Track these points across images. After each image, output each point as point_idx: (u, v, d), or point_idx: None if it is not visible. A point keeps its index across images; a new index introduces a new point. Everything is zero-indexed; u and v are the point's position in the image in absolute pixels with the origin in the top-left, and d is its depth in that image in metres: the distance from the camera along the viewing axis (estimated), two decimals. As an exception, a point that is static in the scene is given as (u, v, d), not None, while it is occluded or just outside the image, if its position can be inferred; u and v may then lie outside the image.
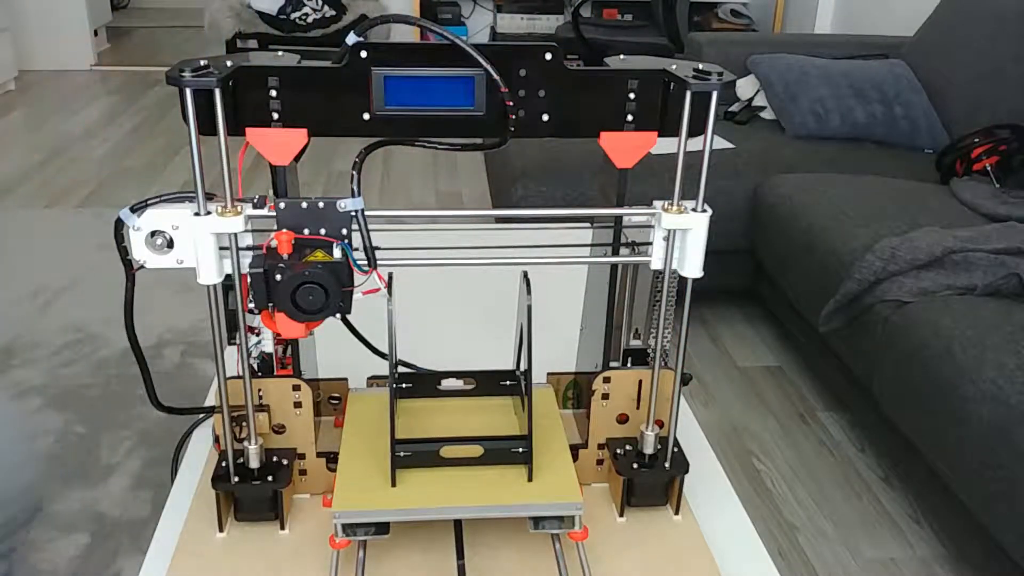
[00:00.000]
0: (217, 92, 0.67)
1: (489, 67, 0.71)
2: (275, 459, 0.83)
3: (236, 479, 0.81)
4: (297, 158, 0.76)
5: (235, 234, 0.72)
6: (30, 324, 2.49)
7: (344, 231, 0.73)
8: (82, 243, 2.94)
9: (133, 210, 0.72)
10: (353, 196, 0.72)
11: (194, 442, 0.86)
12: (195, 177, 0.70)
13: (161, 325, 2.45)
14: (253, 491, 0.82)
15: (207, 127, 0.69)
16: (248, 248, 0.74)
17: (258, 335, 0.82)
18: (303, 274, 0.71)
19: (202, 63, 0.68)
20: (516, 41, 0.84)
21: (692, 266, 0.76)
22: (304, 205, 0.72)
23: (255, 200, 0.73)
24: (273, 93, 0.73)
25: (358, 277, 0.73)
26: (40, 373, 2.26)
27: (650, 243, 0.78)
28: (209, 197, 0.71)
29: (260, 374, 0.82)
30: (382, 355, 0.91)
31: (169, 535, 0.83)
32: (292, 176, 0.79)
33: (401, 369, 0.96)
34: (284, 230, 0.72)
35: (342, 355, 0.91)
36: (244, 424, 0.81)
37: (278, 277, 0.71)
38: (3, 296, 2.64)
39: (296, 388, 0.82)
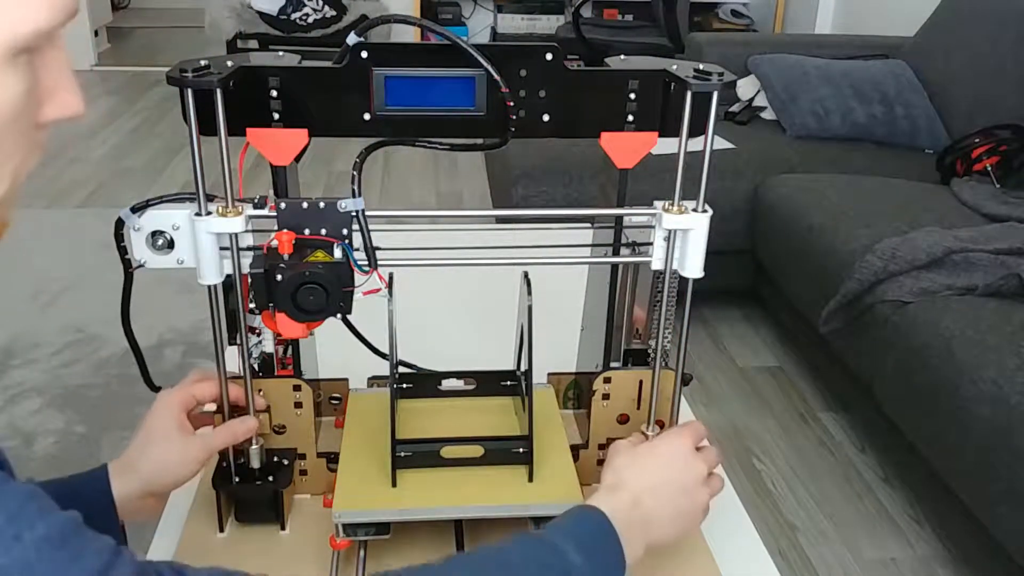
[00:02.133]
0: (218, 92, 0.67)
1: (490, 67, 0.71)
2: (276, 459, 0.83)
3: (237, 479, 0.81)
4: (298, 158, 0.76)
5: (235, 234, 0.72)
6: (30, 324, 2.49)
7: (345, 231, 0.73)
8: (82, 243, 2.94)
9: (134, 210, 0.72)
10: (354, 197, 0.72)
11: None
12: (195, 177, 0.70)
13: (162, 325, 2.45)
14: (254, 491, 0.82)
15: (208, 127, 0.69)
16: (248, 248, 0.74)
17: (258, 335, 0.82)
18: (304, 274, 0.71)
19: (203, 63, 0.68)
20: (516, 41, 0.84)
21: (693, 266, 0.76)
22: (305, 205, 0.72)
23: (256, 200, 0.73)
24: (274, 93, 0.73)
25: (359, 277, 0.73)
26: (40, 373, 2.26)
27: (650, 243, 0.78)
28: (210, 198, 0.71)
29: (261, 374, 0.82)
30: (383, 355, 0.91)
31: (170, 535, 0.83)
32: (293, 176, 0.79)
33: (402, 369, 0.96)
34: (285, 230, 0.72)
35: (343, 355, 0.91)
36: (245, 424, 0.81)
37: (279, 277, 0.71)
38: (3, 296, 2.64)
39: (297, 388, 0.82)
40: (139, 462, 0.75)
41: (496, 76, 0.71)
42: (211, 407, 0.81)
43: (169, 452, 0.75)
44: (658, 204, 0.76)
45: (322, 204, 0.72)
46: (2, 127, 0.43)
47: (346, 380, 0.94)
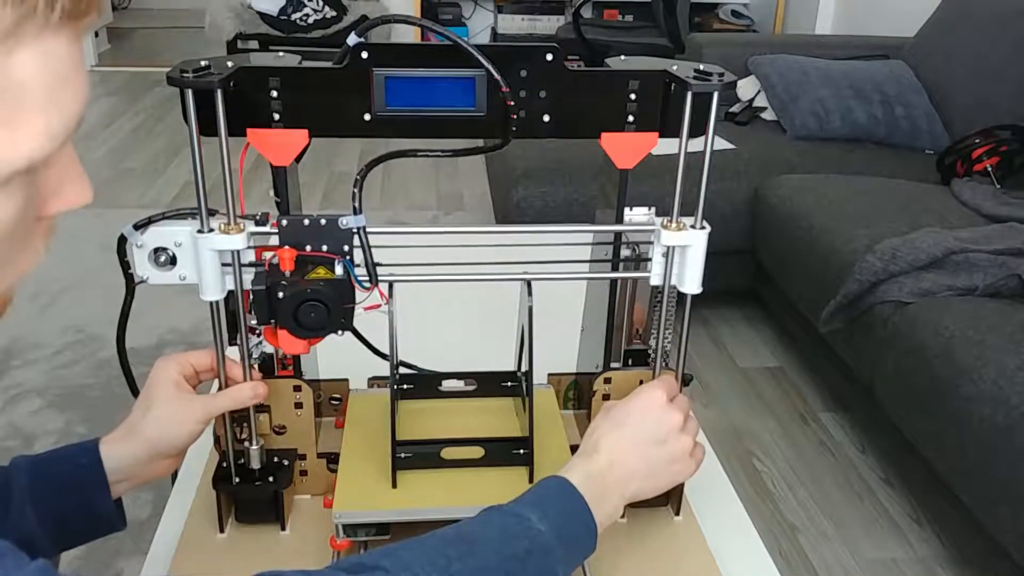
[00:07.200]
0: (218, 93, 0.67)
1: (490, 67, 0.71)
2: (276, 460, 0.83)
3: (237, 480, 0.81)
4: (298, 159, 0.76)
5: (237, 251, 0.72)
6: (30, 325, 2.49)
7: (346, 247, 0.73)
8: (82, 244, 2.93)
9: (136, 227, 0.72)
10: (355, 213, 0.72)
11: (194, 443, 0.86)
12: (197, 188, 0.70)
13: (162, 326, 2.45)
14: (254, 492, 0.82)
15: (208, 128, 0.69)
16: (251, 264, 0.74)
17: (259, 335, 0.82)
18: (305, 292, 0.71)
19: (203, 64, 0.68)
20: (517, 42, 0.84)
21: (691, 282, 0.76)
22: (306, 222, 0.72)
23: (257, 217, 0.73)
24: (274, 94, 0.73)
25: (360, 293, 0.73)
26: (41, 374, 2.26)
27: (650, 258, 0.78)
28: (211, 213, 0.71)
29: (261, 375, 0.82)
30: (383, 356, 0.91)
31: (170, 536, 0.83)
32: (293, 177, 0.79)
33: (402, 370, 0.96)
34: (286, 247, 0.72)
35: (343, 356, 0.91)
36: (245, 425, 0.81)
37: (280, 295, 0.71)
38: (4, 297, 2.64)
39: (297, 389, 0.82)
40: (141, 425, 0.76)
41: (496, 76, 0.71)
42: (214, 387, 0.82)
43: (170, 412, 0.76)
44: (657, 220, 0.76)
45: (323, 221, 0.72)
46: None
47: (346, 380, 0.94)
